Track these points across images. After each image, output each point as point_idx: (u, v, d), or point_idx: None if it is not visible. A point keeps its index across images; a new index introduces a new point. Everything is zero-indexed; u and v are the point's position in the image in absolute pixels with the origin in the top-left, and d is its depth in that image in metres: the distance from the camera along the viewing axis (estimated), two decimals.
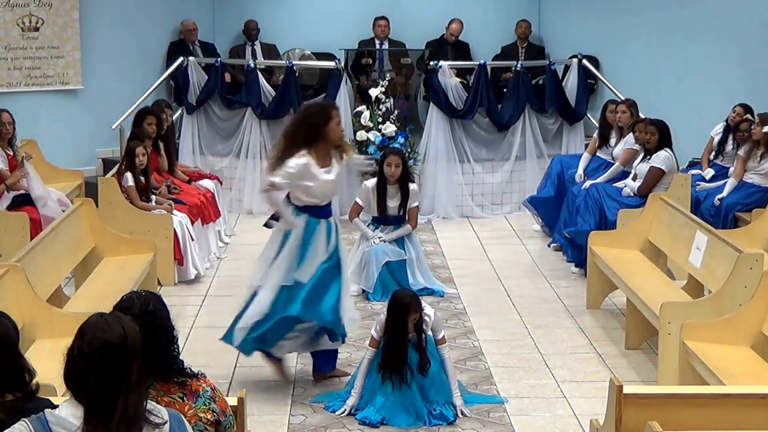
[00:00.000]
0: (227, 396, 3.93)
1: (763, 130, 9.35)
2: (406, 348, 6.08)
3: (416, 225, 8.79)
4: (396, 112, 11.18)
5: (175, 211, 9.01)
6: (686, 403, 4.49)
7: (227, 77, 11.96)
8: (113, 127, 11.36)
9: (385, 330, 6.10)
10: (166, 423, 3.02)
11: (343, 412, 6.15)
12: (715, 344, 6.02)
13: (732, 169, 9.78)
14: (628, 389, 4.45)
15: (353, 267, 8.56)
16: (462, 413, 6.14)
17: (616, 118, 10.29)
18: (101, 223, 8.21)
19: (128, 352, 2.92)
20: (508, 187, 11.77)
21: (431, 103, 11.58)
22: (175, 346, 3.66)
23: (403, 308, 6.02)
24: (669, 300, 6.65)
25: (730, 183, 9.54)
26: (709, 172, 10.13)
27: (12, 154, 9.20)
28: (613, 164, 9.94)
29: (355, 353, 7.07)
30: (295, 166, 6.24)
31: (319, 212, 6.44)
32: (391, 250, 8.54)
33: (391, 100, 11.32)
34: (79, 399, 2.90)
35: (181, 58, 11.82)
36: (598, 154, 10.44)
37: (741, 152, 9.59)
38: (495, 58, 13.11)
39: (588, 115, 12.16)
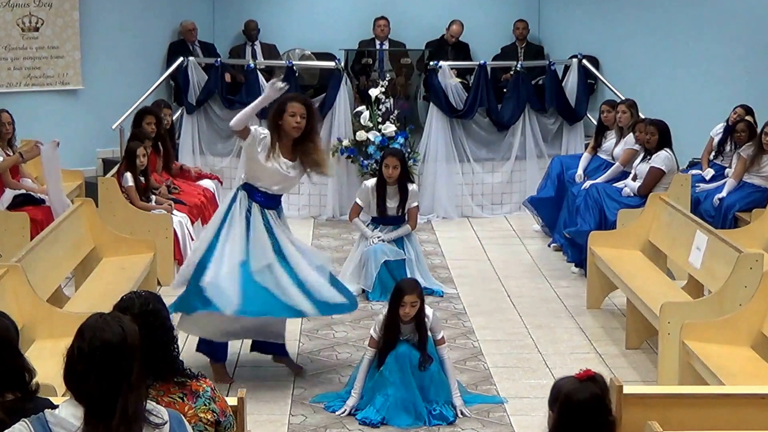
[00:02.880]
0: (227, 396, 3.93)
1: None
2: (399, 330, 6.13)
3: (416, 225, 8.78)
4: (396, 112, 11.17)
5: (175, 211, 9.01)
6: (686, 403, 4.48)
7: (227, 77, 11.96)
8: (113, 127, 11.36)
9: (386, 313, 6.13)
10: (166, 423, 3.02)
11: (343, 412, 6.15)
12: (715, 344, 6.01)
13: (729, 170, 9.77)
14: (628, 389, 4.44)
15: (352, 267, 8.60)
16: (462, 413, 6.14)
17: (609, 118, 10.30)
18: (101, 223, 8.21)
19: (128, 352, 2.93)
20: (508, 187, 11.77)
21: (431, 103, 11.57)
22: (175, 346, 3.67)
23: (399, 290, 6.09)
24: (669, 300, 6.65)
25: (729, 183, 9.52)
26: (709, 172, 10.12)
27: (12, 154, 9.19)
28: (613, 164, 9.95)
29: (355, 353, 7.07)
30: (260, 131, 6.45)
31: (260, 198, 6.52)
32: (390, 250, 8.53)
33: (391, 100, 11.31)
34: (79, 399, 2.90)
35: (181, 58, 11.82)
36: (598, 154, 10.44)
37: (743, 153, 9.56)
38: (495, 59, 13.11)
39: (588, 115, 12.15)
